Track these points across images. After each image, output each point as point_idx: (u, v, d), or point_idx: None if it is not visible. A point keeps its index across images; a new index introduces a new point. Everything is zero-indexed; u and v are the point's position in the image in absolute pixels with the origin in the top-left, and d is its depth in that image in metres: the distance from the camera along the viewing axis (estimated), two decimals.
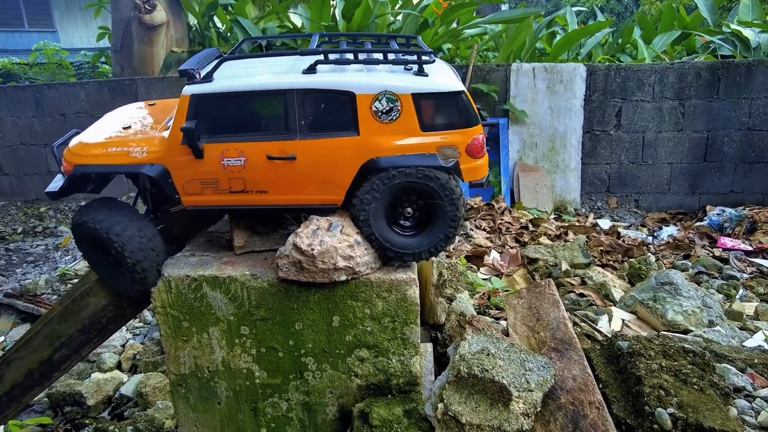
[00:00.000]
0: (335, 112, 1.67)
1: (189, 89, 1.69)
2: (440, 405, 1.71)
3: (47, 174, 8.00)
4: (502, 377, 1.71)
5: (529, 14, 6.70)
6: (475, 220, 5.28)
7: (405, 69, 1.73)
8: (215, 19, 8.21)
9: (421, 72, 1.71)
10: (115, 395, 3.44)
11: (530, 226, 5.27)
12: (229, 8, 8.08)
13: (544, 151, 6.41)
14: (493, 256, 4.30)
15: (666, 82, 5.94)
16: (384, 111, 1.66)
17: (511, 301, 2.63)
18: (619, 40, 7.53)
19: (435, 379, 1.93)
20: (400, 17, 7.90)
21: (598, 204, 6.42)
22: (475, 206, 5.67)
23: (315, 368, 1.85)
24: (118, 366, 3.78)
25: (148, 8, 7.74)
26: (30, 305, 4.35)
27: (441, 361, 2.15)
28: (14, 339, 4.15)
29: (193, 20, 8.44)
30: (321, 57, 1.71)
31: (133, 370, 3.75)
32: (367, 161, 1.68)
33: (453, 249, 4.56)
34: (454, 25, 7.79)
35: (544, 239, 4.90)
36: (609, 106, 6.16)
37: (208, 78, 1.71)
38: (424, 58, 1.74)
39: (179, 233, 2.05)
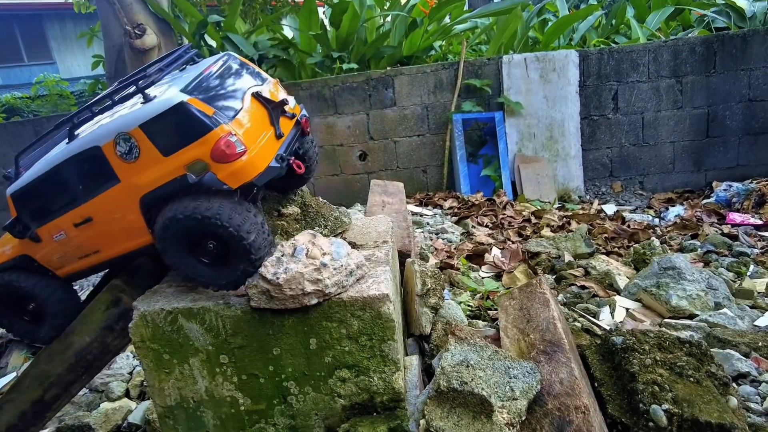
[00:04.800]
0: (96, 167, 1.74)
1: (8, 191, 1.90)
2: (422, 421, 1.69)
3: None
4: (482, 389, 1.68)
5: (517, 4, 6.62)
6: (477, 217, 5.23)
7: (142, 101, 1.73)
8: (206, 37, 8.27)
9: (146, 99, 1.70)
10: (124, 424, 3.48)
11: (533, 218, 5.20)
12: (220, 25, 8.13)
13: (542, 141, 6.33)
14: (494, 254, 4.25)
15: (661, 61, 5.82)
16: (126, 152, 1.69)
17: (503, 303, 2.59)
18: (613, 22, 7.41)
19: (420, 393, 1.91)
20: (388, 19, 7.87)
21: (603, 189, 6.32)
22: (477, 202, 5.62)
23: (297, 392, 1.84)
24: (127, 394, 3.82)
25: (138, 33, 7.83)
26: None
27: (429, 373, 2.12)
28: None
29: (184, 40, 8.52)
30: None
31: (142, 396, 3.78)
32: (139, 203, 1.73)
33: (455, 249, 4.52)
34: (447, 20, 7.74)
35: (546, 231, 4.84)
36: (605, 90, 6.06)
37: (16, 176, 1.93)
38: (141, 84, 1.75)
39: (156, 268, 2.07)
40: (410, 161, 6.73)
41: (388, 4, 7.85)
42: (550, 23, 7.55)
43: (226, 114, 1.68)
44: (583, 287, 3.68)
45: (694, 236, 4.79)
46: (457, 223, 5.17)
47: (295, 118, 2.00)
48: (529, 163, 6.26)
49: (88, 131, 1.77)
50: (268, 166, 1.72)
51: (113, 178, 1.72)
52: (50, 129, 2.02)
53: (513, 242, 4.64)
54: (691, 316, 3.18)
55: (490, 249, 4.37)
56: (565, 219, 5.13)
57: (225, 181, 1.64)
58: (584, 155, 6.28)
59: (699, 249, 4.44)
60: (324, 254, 1.71)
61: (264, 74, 2.03)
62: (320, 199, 2.35)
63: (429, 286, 2.22)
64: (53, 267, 1.98)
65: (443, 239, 4.79)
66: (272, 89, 1.97)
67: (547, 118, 6.22)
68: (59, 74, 13.21)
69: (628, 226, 5.03)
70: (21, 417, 2.08)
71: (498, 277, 4.00)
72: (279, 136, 1.85)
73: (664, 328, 2.79)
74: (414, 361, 1.99)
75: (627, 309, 3.43)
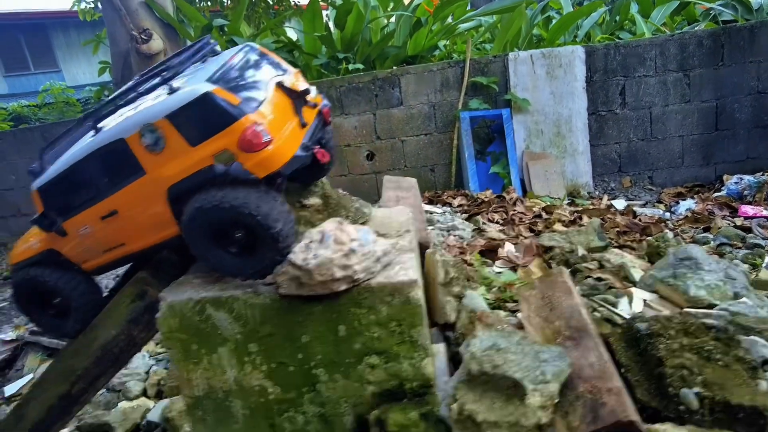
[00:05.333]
0: (121, 160, 1.74)
1: (33, 185, 1.91)
2: (455, 405, 1.68)
3: None
4: (514, 372, 1.68)
5: (521, 2, 6.64)
6: (487, 214, 5.23)
7: (167, 92, 1.73)
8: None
9: (172, 90, 1.70)
10: (143, 422, 3.47)
11: (543, 214, 5.20)
12: (224, 29, 8.17)
13: (550, 137, 6.33)
14: (508, 249, 4.24)
15: (668, 55, 5.82)
16: (152, 143, 1.69)
17: (524, 293, 2.59)
18: (617, 18, 7.41)
19: (449, 379, 1.90)
20: (393, 19, 7.90)
21: (612, 185, 6.31)
22: (486, 199, 5.61)
23: (327, 379, 1.84)
24: (144, 393, 3.82)
25: (145, 38, 7.87)
26: (55, 341, 4.42)
27: (455, 360, 2.11)
28: None
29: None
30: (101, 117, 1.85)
31: (159, 395, 3.78)
32: (166, 194, 1.72)
33: (467, 245, 4.52)
34: (450, 20, 7.76)
35: (558, 226, 4.83)
36: (612, 86, 6.06)
37: (41, 171, 1.92)
38: (165, 75, 1.76)
39: (180, 262, 2.08)
40: (418, 160, 6.73)
41: (392, 4, 7.88)
42: (554, 20, 7.56)
43: (251, 104, 1.68)
44: (599, 279, 3.67)
45: (707, 229, 4.78)
46: (467, 220, 5.16)
47: (317, 108, 2.00)
48: (538, 160, 6.25)
49: (112, 124, 1.78)
50: (294, 155, 1.73)
51: (139, 171, 1.72)
52: (74, 123, 2.02)
53: (525, 238, 4.63)
54: (710, 306, 3.16)
55: (503, 244, 4.37)
56: (576, 214, 5.12)
57: (252, 171, 1.65)
58: (592, 151, 6.27)
59: (712, 242, 4.43)
60: (352, 240, 1.71)
61: (285, 64, 2.03)
62: (340, 191, 2.36)
63: (452, 275, 2.22)
64: (78, 261, 1.98)
65: (455, 236, 4.79)
66: (294, 79, 1.97)
67: (555, 114, 6.22)
68: (65, 82, 13.30)
69: (640, 220, 5.02)
70: (49, 411, 2.08)
71: (512, 271, 3.99)
72: (303, 126, 1.85)
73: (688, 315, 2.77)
74: (441, 348, 1.99)
75: (644, 300, 3.42)
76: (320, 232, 1.72)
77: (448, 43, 7.95)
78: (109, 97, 1.92)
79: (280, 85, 1.84)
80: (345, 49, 7.27)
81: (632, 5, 7.28)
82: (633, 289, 3.52)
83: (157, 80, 1.78)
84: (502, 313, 2.71)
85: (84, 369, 2.05)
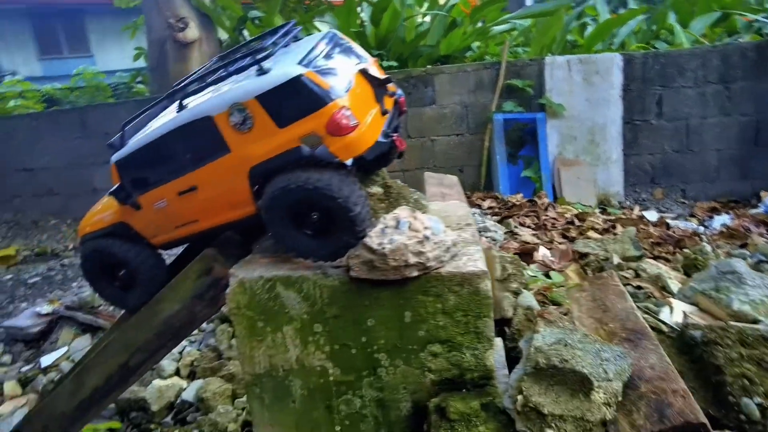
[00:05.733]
0: (206, 137, 1.76)
1: (112, 159, 1.95)
2: (519, 397, 1.69)
3: (93, 193, 8.27)
4: (582, 366, 1.68)
5: (560, 7, 6.62)
6: (518, 217, 5.22)
7: (257, 72, 1.75)
8: (245, 33, 8.37)
9: (262, 71, 1.72)
10: (177, 401, 3.52)
11: (576, 220, 5.17)
12: (258, 21, 8.24)
13: (583, 144, 6.30)
14: (543, 252, 4.23)
15: (709, 66, 5.77)
16: (240, 122, 1.71)
17: (573, 295, 2.59)
18: (654, 27, 7.36)
19: (509, 373, 1.91)
20: (427, 18, 7.91)
21: (643, 195, 6.26)
22: (517, 203, 5.60)
23: (388, 364, 1.85)
24: (177, 373, 3.87)
25: (182, 26, 7.96)
26: (89, 317, 4.50)
27: (510, 356, 2.12)
28: (77, 349, 4.30)
29: (224, 35, 8.63)
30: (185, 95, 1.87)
31: (192, 376, 3.83)
32: (248, 173, 1.75)
33: (500, 247, 4.51)
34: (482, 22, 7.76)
35: (592, 233, 4.80)
36: (649, 95, 6.02)
37: (122, 144, 1.95)
38: (258, 57, 1.77)
39: (243, 242, 2.11)
40: (447, 160, 6.74)
41: (427, 3, 7.89)
42: (589, 27, 7.53)
43: (339, 89, 1.71)
44: (639, 287, 3.65)
45: (743, 246, 4.72)
46: (499, 222, 5.15)
47: (394, 97, 2.02)
48: (570, 166, 6.23)
49: (199, 102, 1.80)
50: (377, 141, 1.75)
51: (223, 149, 1.75)
52: (159, 99, 2.06)
53: (559, 243, 4.61)
54: (755, 322, 3.13)
55: (537, 248, 4.36)
56: (609, 222, 5.09)
57: (336, 154, 1.67)
58: (625, 160, 6.23)
59: (749, 258, 4.37)
60: (425, 228, 1.72)
61: (364, 53, 2.05)
62: (399, 182, 2.37)
63: (509, 271, 2.23)
64: (148, 235, 2.02)
65: (487, 237, 4.78)
66: (374, 68, 1.99)
67: (589, 121, 6.19)
68: (96, 67, 13.47)
69: (673, 233, 4.98)
70: (107, 380, 2.12)
71: (546, 276, 3.98)
72: (383, 113, 1.87)
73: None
74: (500, 342, 1.99)
75: (684, 312, 3.39)
76: (395, 218, 1.73)
77: (480, 44, 7.94)
78: (194, 75, 1.95)
79: (363, 73, 1.86)
80: (379, 46, 7.29)
81: (670, 14, 7.22)
82: (672, 300, 3.50)
83: (246, 61, 1.81)
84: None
85: (144, 341, 2.09)
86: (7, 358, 4.45)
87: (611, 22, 6.91)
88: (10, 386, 4.03)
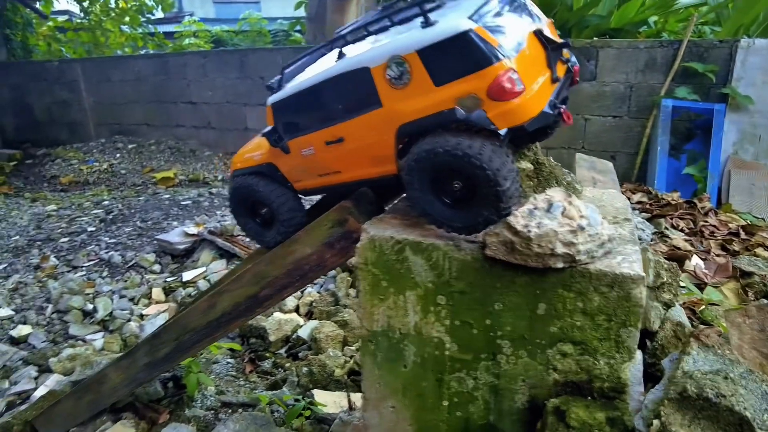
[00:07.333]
0: (361, 89, 1.69)
1: (269, 100, 1.97)
2: (656, 422, 1.48)
3: (245, 131, 8.97)
4: (744, 408, 1.42)
5: None
6: (671, 219, 4.65)
7: (421, 24, 1.60)
8: None
9: (427, 23, 1.56)
10: (293, 336, 3.74)
11: (742, 233, 4.48)
12: None
13: (767, 146, 5.39)
14: (696, 262, 3.73)
15: None
16: (396, 76, 1.60)
17: (734, 319, 2.22)
18: None
19: (644, 391, 1.69)
20: None
21: None
22: (673, 202, 4.99)
23: (510, 353, 1.73)
24: (296, 310, 4.10)
25: None
26: (227, 244, 4.92)
27: (648, 372, 1.89)
28: (213, 271, 4.73)
29: None
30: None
31: (309, 315, 4.03)
32: (396, 131, 1.66)
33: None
34: None
35: (760, 251, 4.13)
36: None
37: (279, 87, 1.97)
38: (426, 6, 1.60)
39: (377, 200, 2.09)
40: (598, 143, 6.19)
41: None
42: None
43: (508, 48, 1.55)
44: None
45: None
46: (648, 221, 4.64)
47: (567, 64, 1.81)
48: (745, 169, 5.38)
49: (358, 51, 1.76)
50: (542, 111, 1.57)
51: (376, 103, 1.69)
52: (320, 45, 2.06)
53: (717, 255, 4.03)
54: None
55: (690, 257, 3.85)
56: None
57: (494, 121, 1.52)
58: None
59: None
60: (581, 217, 1.54)
61: (540, 13, 1.86)
62: (551, 160, 2.17)
63: (664, 279, 1.95)
64: (292, 179, 2.06)
65: None
66: (549, 30, 1.80)
67: None
68: (261, 13, 14.41)
69: None
70: (235, 307, 2.27)
71: (697, 289, 3.51)
72: (554, 81, 1.68)
73: None
74: (639, 355, 1.77)
75: None
76: (547, 200, 1.57)
77: (658, 19, 7.05)
78: (357, 24, 1.91)
79: (537, 34, 1.68)
80: (543, 10, 6.79)
81: None
82: None
83: (413, 11, 1.71)
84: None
85: (274, 277, 2.19)
86: (157, 267, 5.07)
87: None
88: (157, 293, 4.60)
